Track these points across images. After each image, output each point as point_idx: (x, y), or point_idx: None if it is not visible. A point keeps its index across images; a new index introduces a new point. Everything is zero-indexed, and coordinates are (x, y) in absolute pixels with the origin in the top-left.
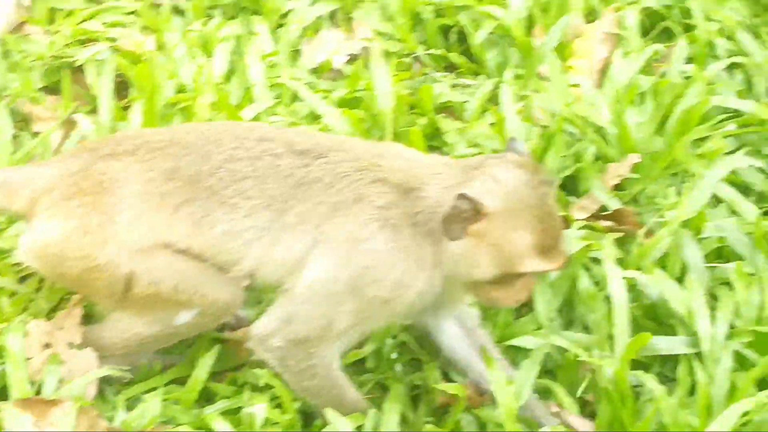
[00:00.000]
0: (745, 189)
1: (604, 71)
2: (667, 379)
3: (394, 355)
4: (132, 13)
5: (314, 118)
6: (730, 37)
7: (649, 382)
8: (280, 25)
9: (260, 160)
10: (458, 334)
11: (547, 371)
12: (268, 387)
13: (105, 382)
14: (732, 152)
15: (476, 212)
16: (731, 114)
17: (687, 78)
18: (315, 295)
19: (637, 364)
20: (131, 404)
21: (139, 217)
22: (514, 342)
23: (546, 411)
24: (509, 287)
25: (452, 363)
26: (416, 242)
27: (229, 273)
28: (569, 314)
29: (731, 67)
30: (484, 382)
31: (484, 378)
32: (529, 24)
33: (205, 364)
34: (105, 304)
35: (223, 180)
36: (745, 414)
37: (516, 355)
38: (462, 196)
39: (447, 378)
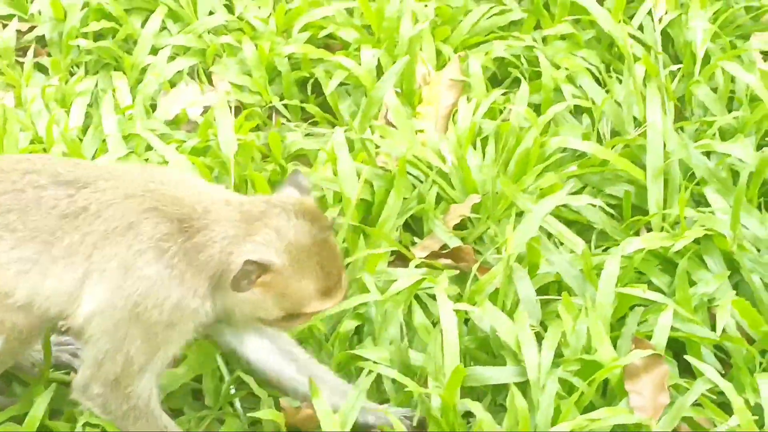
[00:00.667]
0: (588, 227)
1: (450, 117)
2: (502, 408)
3: (232, 391)
4: None
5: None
6: (575, 83)
7: (476, 409)
8: (140, 81)
9: (24, 193)
10: (265, 347)
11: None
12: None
13: None
14: (576, 192)
15: (262, 270)
16: (577, 155)
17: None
18: (103, 331)
19: (472, 394)
20: None
21: None
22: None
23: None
24: (293, 320)
25: (265, 378)
26: (192, 274)
27: (6, 303)
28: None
29: (577, 110)
30: (301, 390)
31: (299, 386)
32: (379, 74)
33: (42, 402)
34: None
35: None
36: None
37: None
38: (248, 263)
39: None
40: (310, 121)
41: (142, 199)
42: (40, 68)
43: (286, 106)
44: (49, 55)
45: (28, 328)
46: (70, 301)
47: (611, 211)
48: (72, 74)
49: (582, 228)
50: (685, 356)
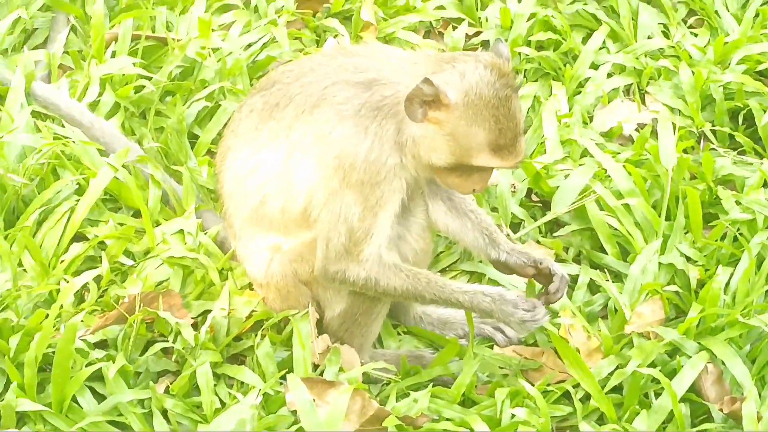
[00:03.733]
0: None
1: None
2: None
3: None
4: None
5: (600, 174)
6: None
7: None
8: (578, 92)
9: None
10: (448, 211)
11: None
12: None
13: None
14: None
15: (437, 99)
16: None
17: None
18: (322, 207)
19: None
20: (400, 397)
21: None
22: None
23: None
24: (466, 176)
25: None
26: (378, 123)
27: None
28: None
29: None
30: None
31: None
32: None
33: (468, 372)
34: None
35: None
36: None
37: None
38: (426, 81)
39: None
40: (738, 150)
41: (333, 74)
42: None
43: (715, 133)
44: None
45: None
46: (287, 185)
47: None
48: None
49: None
50: None
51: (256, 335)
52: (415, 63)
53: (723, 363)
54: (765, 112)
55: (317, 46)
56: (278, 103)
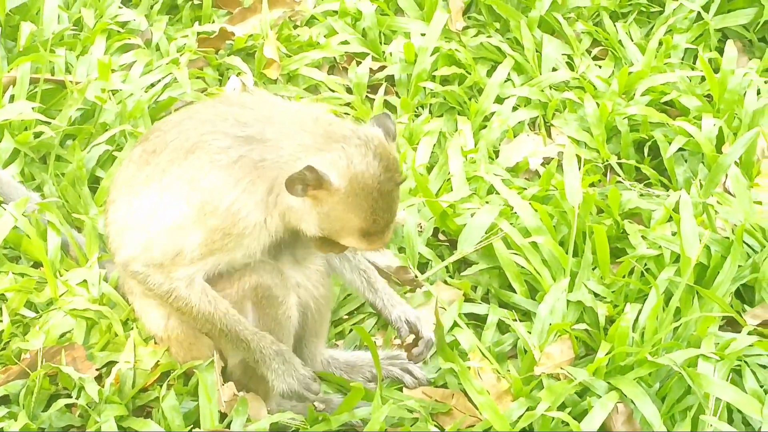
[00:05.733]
0: None
1: None
2: None
3: None
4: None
5: (506, 211)
6: None
7: None
8: (483, 127)
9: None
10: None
11: None
12: None
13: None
14: None
15: (319, 182)
16: None
17: None
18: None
19: None
20: None
21: None
22: None
23: None
24: (328, 244)
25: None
26: (250, 180)
27: None
28: None
29: None
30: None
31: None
32: (718, 143)
33: (377, 419)
34: None
35: None
36: None
37: None
38: (310, 168)
39: None
40: (645, 182)
41: (215, 124)
42: (388, 106)
43: (621, 165)
44: (397, 95)
45: None
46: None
47: None
48: (417, 115)
49: None
50: None
51: (161, 386)
52: (302, 130)
53: (633, 402)
54: (670, 143)
55: (220, 85)
56: (155, 149)
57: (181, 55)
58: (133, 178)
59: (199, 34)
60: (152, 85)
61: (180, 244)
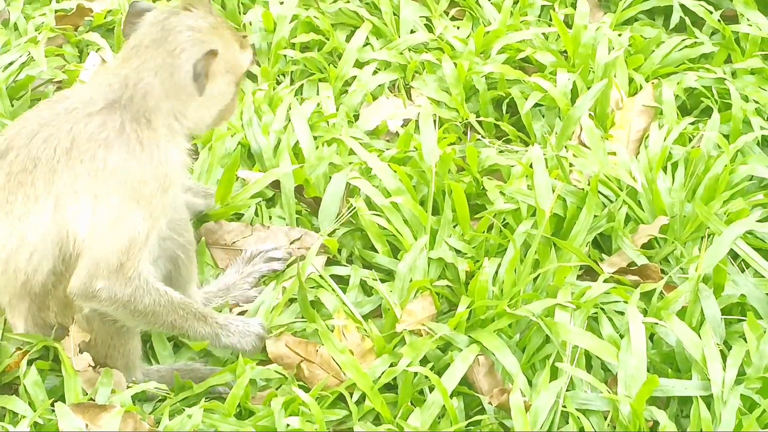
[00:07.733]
0: None
1: (641, 141)
2: (686, 419)
3: None
4: None
5: (367, 171)
6: (763, 116)
7: (662, 418)
8: (344, 92)
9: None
10: None
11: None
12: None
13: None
14: (761, 220)
15: (211, 56)
16: (763, 185)
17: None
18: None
19: (655, 404)
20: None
21: None
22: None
23: None
24: (233, 101)
25: None
26: (147, 130)
27: None
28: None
29: (765, 142)
30: None
31: None
32: (574, 96)
33: (242, 383)
34: None
35: None
36: None
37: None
38: (210, 52)
39: None
40: (503, 138)
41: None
42: (249, 75)
43: (481, 123)
44: (258, 63)
45: None
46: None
47: None
48: (278, 83)
49: (765, 255)
50: None
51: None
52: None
53: (493, 354)
54: (526, 99)
55: (80, 61)
56: (24, 167)
57: (39, 34)
58: (8, 203)
59: (56, 11)
60: (10, 64)
61: (129, 232)
